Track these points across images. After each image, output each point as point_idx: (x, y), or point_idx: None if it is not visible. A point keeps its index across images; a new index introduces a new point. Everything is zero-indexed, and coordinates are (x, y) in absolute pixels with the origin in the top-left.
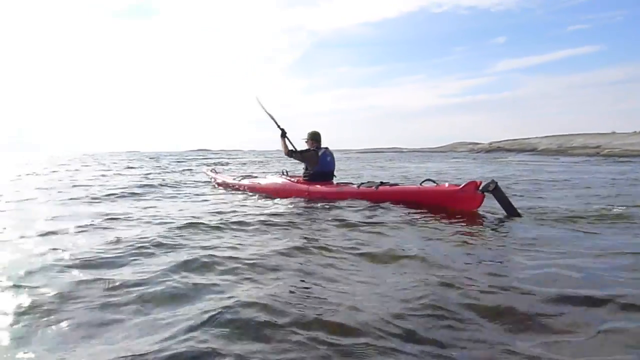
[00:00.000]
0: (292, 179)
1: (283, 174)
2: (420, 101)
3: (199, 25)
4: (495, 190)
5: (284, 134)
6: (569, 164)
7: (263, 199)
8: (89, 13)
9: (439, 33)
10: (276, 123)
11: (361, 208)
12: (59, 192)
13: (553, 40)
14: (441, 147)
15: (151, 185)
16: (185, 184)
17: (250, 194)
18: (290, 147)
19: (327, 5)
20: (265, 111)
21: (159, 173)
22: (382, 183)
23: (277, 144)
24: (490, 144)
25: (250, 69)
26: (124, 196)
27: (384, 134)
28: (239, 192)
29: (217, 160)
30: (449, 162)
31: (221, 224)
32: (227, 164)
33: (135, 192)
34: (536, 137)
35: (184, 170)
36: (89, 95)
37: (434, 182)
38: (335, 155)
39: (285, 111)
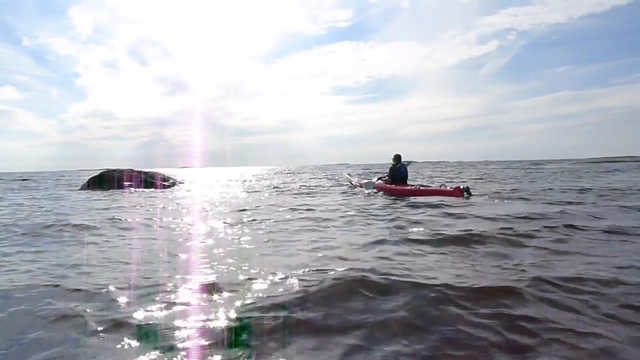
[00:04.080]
0: (384, 181)
1: (380, 179)
2: None
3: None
4: (467, 190)
5: (370, 185)
6: None
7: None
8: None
9: None
10: (364, 184)
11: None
12: None
13: None
14: None
15: None
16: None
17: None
18: (386, 178)
19: (540, 2)
20: (354, 185)
21: None
22: (422, 185)
23: (495, 155)
24: None
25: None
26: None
27: (617, 140)
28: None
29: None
30: None
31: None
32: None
33: None
34: None
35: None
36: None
37: (446, 186)
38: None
39: (494, 119)
